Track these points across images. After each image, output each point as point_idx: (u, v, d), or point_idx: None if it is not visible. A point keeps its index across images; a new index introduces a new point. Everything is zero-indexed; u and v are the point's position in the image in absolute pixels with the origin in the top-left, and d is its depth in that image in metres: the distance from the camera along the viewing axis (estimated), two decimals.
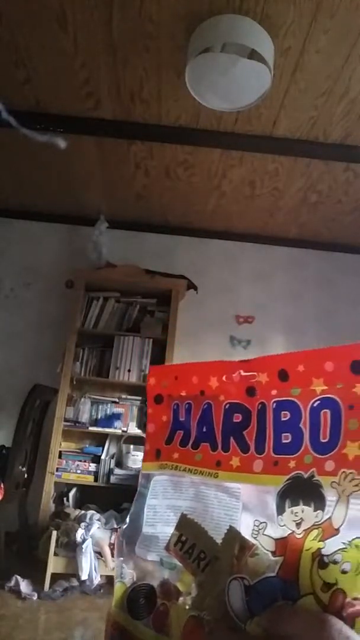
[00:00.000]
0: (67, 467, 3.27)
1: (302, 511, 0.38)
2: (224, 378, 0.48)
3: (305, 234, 3.94)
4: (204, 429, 0.48)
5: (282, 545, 0.37)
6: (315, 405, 0.40)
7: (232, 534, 0.41)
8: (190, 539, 0.44)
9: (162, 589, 0.45)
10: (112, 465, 3.29)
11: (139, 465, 3.08)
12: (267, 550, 0.38)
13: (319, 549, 0.35)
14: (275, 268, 4.04)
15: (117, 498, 3.19)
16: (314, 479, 0.38)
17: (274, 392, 0.43)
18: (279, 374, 0.43)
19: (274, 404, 0.43)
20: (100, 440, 3.45)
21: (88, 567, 2.65)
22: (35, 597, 2.52)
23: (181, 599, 0.43)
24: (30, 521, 3.18)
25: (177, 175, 3.26)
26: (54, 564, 2.71)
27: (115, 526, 2.91)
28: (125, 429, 3.38)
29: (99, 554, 2.74)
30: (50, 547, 2.71)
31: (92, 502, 3.26)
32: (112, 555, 2.66)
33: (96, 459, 3.32)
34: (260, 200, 3.49)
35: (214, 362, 0.49)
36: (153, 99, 2.54)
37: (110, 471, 3.26)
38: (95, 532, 2.77)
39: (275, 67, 2.13)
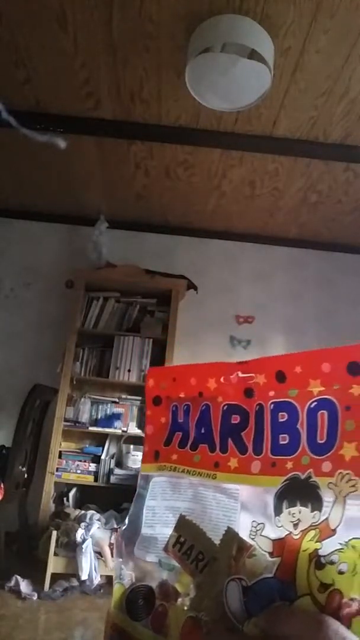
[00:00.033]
0: (67, 467, 3.27)
1: (300, 512, 0.38)
2: (222, 379, 0.48)
3: (305, 234, 3.94)
4: (203, 431, 0.48)
5: (280, 546, 0.37)
6: (312, 406, 0.41)
7: (230, 535, 0.41)
8: (188, 540, 0.44)
9: (160, 590, 0.45)
10: (112, 465, 3.29)
11: (139, 465, 3.07)
12: (265, 551, 0.38)
13: (316, 549, 0.35)
14: (275, 268, 4.04)
15: (117, 498, 3.19)
16: (311, 480, 0.39)
17: (271, 393, 0.43)
18: (277, 376, 0.43)
19: (272, 405, 0.43)
20: (100, 440, 3.45)
21: (88, 567, 2.65)
22: (35, 597, 2.52)
23: (180, 599, 0.44)
24: (30, 521, 3.18)
25: (177, 175, 3.26)
26: (54, 564, 2.71)
27: (115, 526, 2.91)
28: (125, 429, 3.38)
29: (99, 554, 2.74)
30: (50, 547, 2.71)
31: (92, 502, 3.26)
32: (112, 555, 2.66)
33: (96, 459, 3.32)
34: (260, 200, 3.49)
35: (212, 363, 0.49)
36: (153, 99, 2.54)
37: (110, 471, 3.26)
38: (95, 532, 2.77)
39: (275, 67, 2.13)
